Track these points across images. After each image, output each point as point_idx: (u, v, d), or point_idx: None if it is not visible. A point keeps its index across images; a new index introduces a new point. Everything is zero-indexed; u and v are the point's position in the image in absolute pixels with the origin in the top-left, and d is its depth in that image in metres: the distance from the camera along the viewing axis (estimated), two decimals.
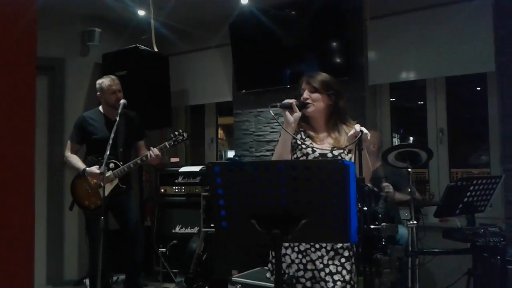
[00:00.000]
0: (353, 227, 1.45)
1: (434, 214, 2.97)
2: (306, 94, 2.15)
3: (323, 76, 2.18)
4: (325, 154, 2.12)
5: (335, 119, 2.18)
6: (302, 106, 2.09)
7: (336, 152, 2.12)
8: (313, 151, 2.12)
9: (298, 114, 2.05)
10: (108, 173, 3.38)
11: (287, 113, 2.04)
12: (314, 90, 2.14)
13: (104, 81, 3.58)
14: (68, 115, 4.77)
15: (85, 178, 3.47)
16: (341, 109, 2.18)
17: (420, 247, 2.74)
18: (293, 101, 2.06)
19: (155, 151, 3.37)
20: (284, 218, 1.44)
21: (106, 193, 3.28)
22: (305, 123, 2.21)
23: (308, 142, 2.16)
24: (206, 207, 3.96)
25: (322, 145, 2.16)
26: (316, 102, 2.14)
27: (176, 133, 3.43)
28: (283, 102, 2.03)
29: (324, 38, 4.28)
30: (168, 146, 3.41)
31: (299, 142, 2.15)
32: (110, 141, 3.09)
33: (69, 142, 3.68)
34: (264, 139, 4.78)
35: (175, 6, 4.37)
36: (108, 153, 3.05)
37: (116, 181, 3.46)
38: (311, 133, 2.18)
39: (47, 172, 4.71)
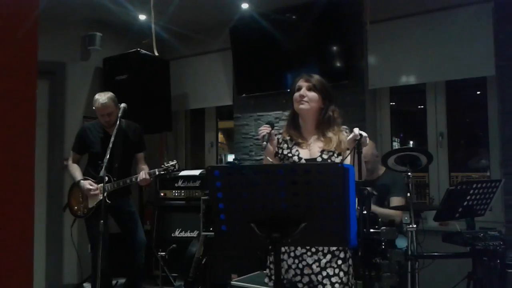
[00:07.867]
0: (352, 231, 1.45)
1: (434, 218, 2.97)
2: (303, 91, 2.16)
3: (320, 77, 2.22)
4: (314, 159, 2.13)
5: (326, 123, 2.18)
6: (272, 125, 2.13)
7: (325, 156, 2.13)
8: (299, 159, 2.14)
9: (275, 141, 2.18)
10: (98, 186, 3.49)
11: (268, 145, 2.10)
12: (311, 88, 2.16)
13: (95, 103, 3.56)
14: (69, 119, 4.79)
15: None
16: (333, 114, 2.19)
17: (420, 251, 2.73)
18: (269, 129, 2.09)
19: (144, 175, 3.48)
20: (283, 221, 1.45)
21: (91, 205, 3.54)
22: (294, 127, 2.23)
23: (294, 150, 2.17)
24: (206, 210, 3.95)
25: (311, 150, 2.17)
26: (312, 102, 2.15)
27: (171, 162, 3.56)
28: (262, 136, 2.08)
29: (324, 42, 4.29)
30: (157, 173, 3.53)
31: (285, 153, 2.18)
32: (107, 156, 3.17)
33: (71, 151, 3.78)
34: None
35: (176, 10, 4.38)
36: (104, 170, 3.13)
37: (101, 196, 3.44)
38: (299, 140, 2.19)
39: (47, 175, 4.72)
